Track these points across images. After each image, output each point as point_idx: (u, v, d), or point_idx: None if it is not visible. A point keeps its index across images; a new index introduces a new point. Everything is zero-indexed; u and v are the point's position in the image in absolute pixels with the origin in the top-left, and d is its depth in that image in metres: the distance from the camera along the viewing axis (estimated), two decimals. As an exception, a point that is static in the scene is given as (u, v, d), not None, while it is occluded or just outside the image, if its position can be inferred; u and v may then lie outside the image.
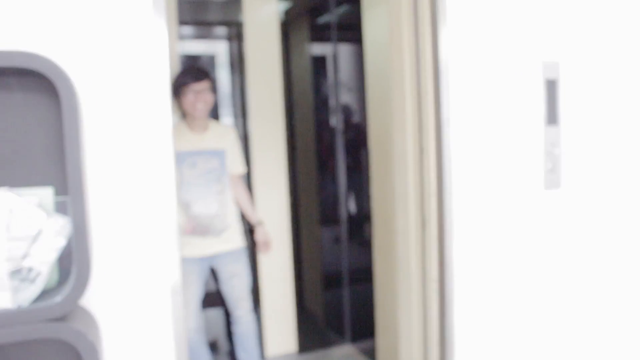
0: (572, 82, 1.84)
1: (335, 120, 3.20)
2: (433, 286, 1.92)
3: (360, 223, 3.34)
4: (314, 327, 3.46)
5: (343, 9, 3.01)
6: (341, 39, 3.14)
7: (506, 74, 1.75)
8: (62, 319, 1.04)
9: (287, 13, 3.27)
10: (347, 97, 3.34)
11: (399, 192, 2.08)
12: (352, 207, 3.50)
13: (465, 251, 1.77)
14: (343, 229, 3.31)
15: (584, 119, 1.87)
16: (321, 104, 3.33)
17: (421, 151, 1.89)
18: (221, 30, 3.82)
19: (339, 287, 3.32)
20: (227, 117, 4.03)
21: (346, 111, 3.37)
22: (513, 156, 1.78)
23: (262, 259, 2.91)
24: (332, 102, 3.23)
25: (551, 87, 1.79)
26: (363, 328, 3.05)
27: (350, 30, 2.80)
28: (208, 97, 2.33)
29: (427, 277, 1.94)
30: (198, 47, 4.20)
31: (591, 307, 1.97)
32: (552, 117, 1.80)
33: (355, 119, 3.33)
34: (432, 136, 1.82)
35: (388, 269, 2.51)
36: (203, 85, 2.31)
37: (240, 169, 2.52)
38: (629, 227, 2.00)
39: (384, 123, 2.40)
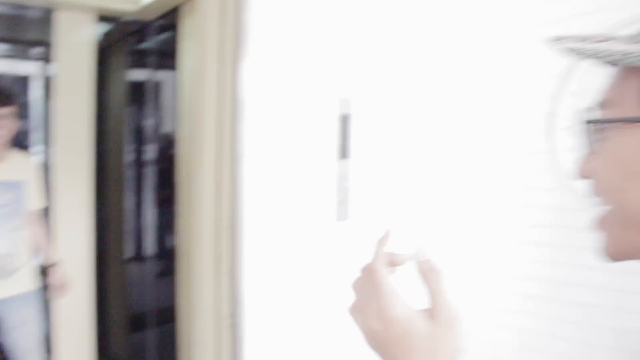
0: (363, 118, 1.96)
1: (149, 151, 3.08)
2: (226, 322, 1.88)
3: (169, 260, 3.21)
4: (118, 372, 3.22)
5: (164, 36, 2.95)
6: (163, 67, 3.07)
7: (303, 109, 1.82)
8: None
9: (106, 37, 3.12)
10: (165, 127, 3.24)
11: (195, 226, 2.03)
12: (163, 243, 3.36)
13: (259, 286, 1.77)
14: (150, 266, 3.15)
15: (372, 153, 2.00)
16: (136, 133, 3.19)
17: (218, 184, 1.87)
18: (37, 50, 3.56)
19: (146, 329, 3.14)
20: (39, 145, 3.71)
21: (165, 141, 3.27)
22: (307, 190, 1.83)
23: (58, 304, 2.64)
24: (146, 131, 3.12)
25: (344, 122, 1.89)
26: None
27: (170, 57, 2.75)
28: (9, 124, 2.13)
29: (221, 313, 1.90)
30: (9, 66, 3.86)
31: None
32: (344, 151, 1.89)
33: (171, 149, 3.24)
34: (227, 170, 1.82)
35: (188, 307, 2.42)
36: (4, 111, 2.11)
37: (39, 203, 2.32)
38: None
39: (190, 155, 2.36)
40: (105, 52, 3.17)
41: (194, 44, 2.39)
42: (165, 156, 3.18)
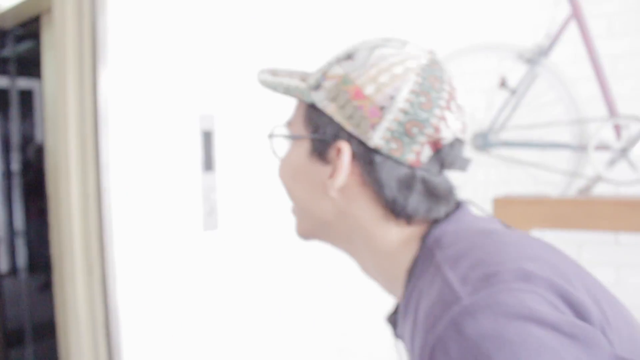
0: (227, 132, 2.05)
1: (17, 162, 2.97)
2: (100, 332, 1.91)
3: (46, 273, 3.12)
4: (-4, 391, 3.09)
5: (27, 44, 2.85)
6: (26, 74, 2.96)
7: (166, 122, 1.87)
8: None
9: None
10: (34, 136, 3.13)
11: (64, 238, 2.03)
12: (42, 254, 3.26)
13: (132, 294, 1.80)
14: (24, 279, 3.06)
15: (237, 166, 2.09)
16: (3, 143, 3.06)
17: (84, 196, 1.88)
18: None
19: (24, 344, 3.04)
20: None
21: (35, 152, 3.17)
22: (174, 201, 1.89)
23: None
24: (11, 140, 3.00)
25: (207, 137, 1.97)
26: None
27: (34, 64, 2.66)
28: None
29: (95, 324, 1.92)
30: None
31: (254, 339, 2.18)
32: (208, 164, 1.97)
33: (40, 159, 3.14)
34: (93, 181, 1.84)
35: (65, 320, 2.39)
36: None
37: None
38: (277, 260, 2.29)
39: (56, 166, 2.32)
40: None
41: (54, 54, 2.35)
42: (36, 166, 3.08)
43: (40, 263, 3.27)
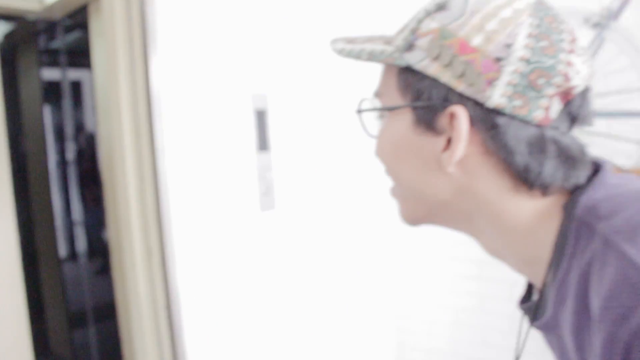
0: (281, 112, 2.02)
1: (72, 150, 3.03)
2: (162, 314, 1.93)
3: (104, 257, 3.20)
4: (62, 370, 3.21)
5: (75, 34, 2.88)
6: (76, 65, 3.00)
7: (219, 105, 1.85)
8: None
9: (10, 36, 3.01)
10: (87, 125, 3.19)
11: (123, 222, 2.05)
12: (96, 240, 3.34)
13: (191, 275, 1.82)
14: (84, 264, 3.13)
15: (292, 145, 2.07)
16: (57, 133, 3.12)
17: (141, 180, 1.90)
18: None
19: (87, 325, 3.13)
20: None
21: (88, 140, 3.22)
22: (230, 181, 1.88)
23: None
24: (67, 130, 3.06)
25: (261, 116, 1.95)
26: (113, 364, 2.91)
27: (83, 55, 2.70)
28: None
29: (156, 306, 1.94)
30: None
31: (307, 316, 2.17)
32: (263, 144, 1.95)
33: (94, 147, 3.21)
34: (148, 165, 1.84)
35: (126, 302, 2.44)
36: None
37: None
38: (335, 241, 2.27)
39: (111, 152, 2.35)
40: (11, 53, 3.06)
41: (104, 43, 2.37)
42: (90, 155, 3.14)
43: (97, 248, 3.35)
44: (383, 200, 2.50)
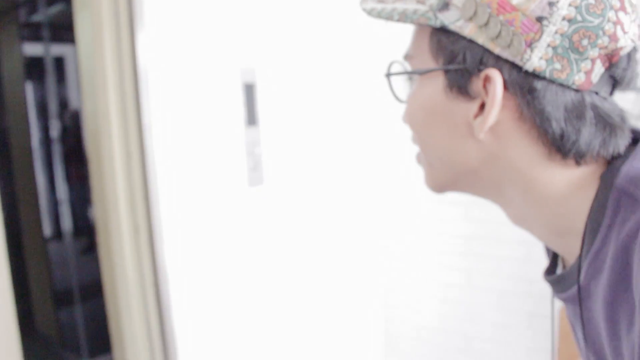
0: (269, 86, 2.00)
1: (56, 127, 2.98)
2: (150, 291, 1.92)
3: (89, 235, 3.18)
4: (47, 350, 3.19)
5: (56, 8, 2.82)
6: (60, 39, 2.94)
7: (206, 79, 1.83)
8: None
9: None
10: (69, 101, 3.13)
11: (110, 199, 2.03)
12: (81, 218, 3.30)
13: (179, 252, 1.81)
14: (71, 242, 3.10)
15: (281, 120, 2.05)
16: (40, 109, 3.07)
17: (128, 156, 1.87)
18: None
19: (73, 304, 3.11)
20: None
21: (73, 116, 3.17)
22: (217, 157, 1.86)
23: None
24: (50, 106, 3.01)
25: (249, 91, 1.92)
26: (100, 344, 2.91)
27: (67, 29, 2.64)
28: None
29: (144, 283, 1.93)
30: None
31: (296, 292, 2.18)
32: (251, 118, 1.93)
33: (78, 123, 3.16)
34: (135, 141, 1.82)
35: (112, 279, 2.42)
36: None
37: None
38: (323, 216, 2.26)
39: (97, 128, 2.31)
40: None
41: (88, 16, 2.31)
42: (74, 131, 3.09)
43: (83, 227, 3.32)
44: (372, 175, 2.50)
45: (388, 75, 0.63)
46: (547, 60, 0.51)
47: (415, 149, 0.65)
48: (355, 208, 2.43)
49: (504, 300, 2.32)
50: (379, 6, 0.61)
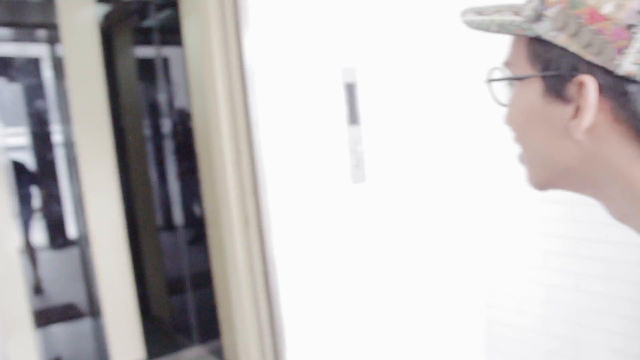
0: (370, 85, 2.03)
1: (165, 124, 3.18)
2: (259, 281, 2.02)
3: (198, 227, 3.36)
4: (162, 332, 3.43)
5: (165, 13, 3.00)
6: (167, 43, 3.13)
7: (310, 78, 1.88)
8: None
9: (108, 17, 3.17)
10: (178, 101, 3.33)
11: (220, 193, 2.15)
12: (190, 211, 3.51)
13: (285, 244, 1.89)
14: (180, 233, 3.31)
15: (382, 119, 2.07)
16: (151, 108, 3.28)
17: (237, 152, 1.97)
18: (41, 32, 3.62)
19: (184, 291, 3.33)
20: (55, 124, 3.83)
21: (177, 114, 3.36)
22: (321, 154, 1.92)
23: (100, 268, 2.83)
24: (161, 105, 3.21)
25: (350, 90, 1.96)
26: (209, 329, 3.09)
27: (174, 33, 2.81)
28: None
29: (254, 272, 2.04)
30: (19, 49, 3.94)
31: (397, 290, 2.20)
32: (353, 117, 1.97)
33: (187, 122, 3.34)
34: (244, 138, 1.91)
35: (223, 269, 2.56)
36: None
37: None
38: (425, 214, 2.27)
39: (207, 126, 2.45)
40: (108, 32, 3.23)
41: (196, 19, 2.44)
42: (182, 129, 3.28)
43: (190, 219, 3.52)
44: (474, 174, 2.46)
45: (490, 80, 0.68)
46: (638, 65, 0.54)
47: (517, 149, 0.70)
48: (456, 207, 2.41)
49: (614, 306, 2.21)
50: (478, 18, 0.66)
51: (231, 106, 1.96)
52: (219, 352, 3.01)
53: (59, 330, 3.68)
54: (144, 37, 3.12)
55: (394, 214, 2.14)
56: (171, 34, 2.98)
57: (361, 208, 2.03)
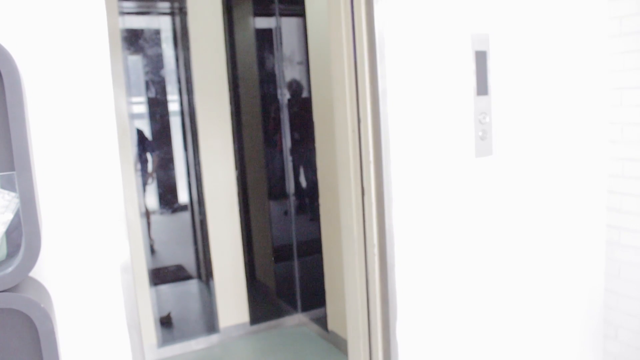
0: (501, 54, 1.94)
1: (281, 94, 3.24)
2: (374, 251, 2.02)
3: (309, 196, 3.42)
4: (266, 298, 3.54)
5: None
6: (285, 13, 3.17)
7: (438, 46, 1.83)
8: (13, 289, 1.07)
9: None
10: (294, 71, 3.37)
11: (340, 162, 2.16)
12: (301, 180, 3.56)
13: (403, 216, 1.87)
14: (291, 202, 3.37)
15: (513, 89, 1.98)
16: (267, 78, 3.35)
17: (359, 121, 1.97)
18: (164, 4, 3.78)
19: (289, 259, 3.40)
20: (172, 95, 4.01)
21: (293, 85, 3.41)
22: (446, 125, 1.87)
23: (212, 232, 2.95)
24: (277, 75, 3.27)
25: (481, 58, 1.89)
26: (313, 298, 3.15)
27: (295, 3, 2.84)
28: None
29: (368, 243, 2.04)
30: (141, 22, 4.15)
31: (520, 265, 2.12)
32: (482, 87, 1.90)
33: (303, 92, 3.38)
34: (368, 107, 1.90)
35: (334, 239, 2.59)
36: None
37: None
38: (555, 192, 2.15)
39: (327, 95, 2.46)
40: (229, 3, 3.31)
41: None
42: (297, 98, 3.33)
43: (300, 188, 3.58)
44: (610, 152, 2.31)
45: None
46: None
47: None
48: (586, 186, 2.28)
49: None
50: None
51: (357, 75, 1.95)
52: (321, 320, 3.06)
53: (168, 289, 3.90)
54: (264, 7, 3.18)
55: (521, 191, 2.05)
56: (290, 3, 3.01)
57: (485, 183, 1.97)
